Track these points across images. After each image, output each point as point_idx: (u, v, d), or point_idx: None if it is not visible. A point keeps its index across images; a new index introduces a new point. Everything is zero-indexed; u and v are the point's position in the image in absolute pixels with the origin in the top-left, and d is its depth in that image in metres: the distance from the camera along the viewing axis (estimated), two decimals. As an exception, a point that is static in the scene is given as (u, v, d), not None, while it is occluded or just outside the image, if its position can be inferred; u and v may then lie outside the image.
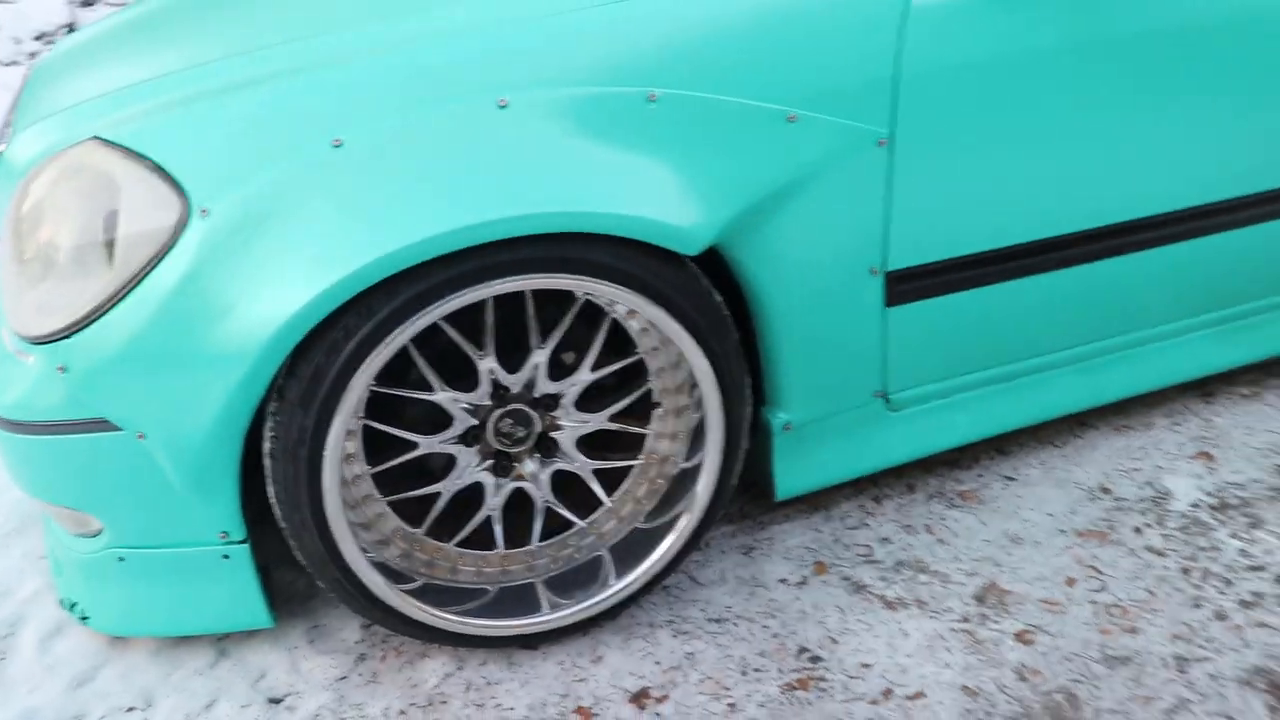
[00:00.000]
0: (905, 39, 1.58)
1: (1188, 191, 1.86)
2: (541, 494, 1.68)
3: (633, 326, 1.61)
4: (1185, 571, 1.80)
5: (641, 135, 1.49)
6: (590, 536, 1.75)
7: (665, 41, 1.50)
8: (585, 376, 1.62)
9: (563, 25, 1.48)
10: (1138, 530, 1.88)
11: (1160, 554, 1.84)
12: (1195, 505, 1.93)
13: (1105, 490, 1.97)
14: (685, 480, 1.72)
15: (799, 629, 1.73)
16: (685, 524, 1.71)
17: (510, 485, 1.66)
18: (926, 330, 1.80)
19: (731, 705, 1.60)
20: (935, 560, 1.85)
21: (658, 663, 1.68)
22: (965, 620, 1.73)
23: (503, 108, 1.41)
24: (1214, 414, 2.15)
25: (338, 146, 1.37)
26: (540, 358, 1.57)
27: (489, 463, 1.63)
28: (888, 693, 1.62)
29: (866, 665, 1.67)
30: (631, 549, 1.74)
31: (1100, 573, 1.80)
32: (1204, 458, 2.03)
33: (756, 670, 1.66)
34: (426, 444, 1.57)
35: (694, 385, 1.65)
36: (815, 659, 1.68)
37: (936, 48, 1.60)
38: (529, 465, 1.66)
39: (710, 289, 1.59)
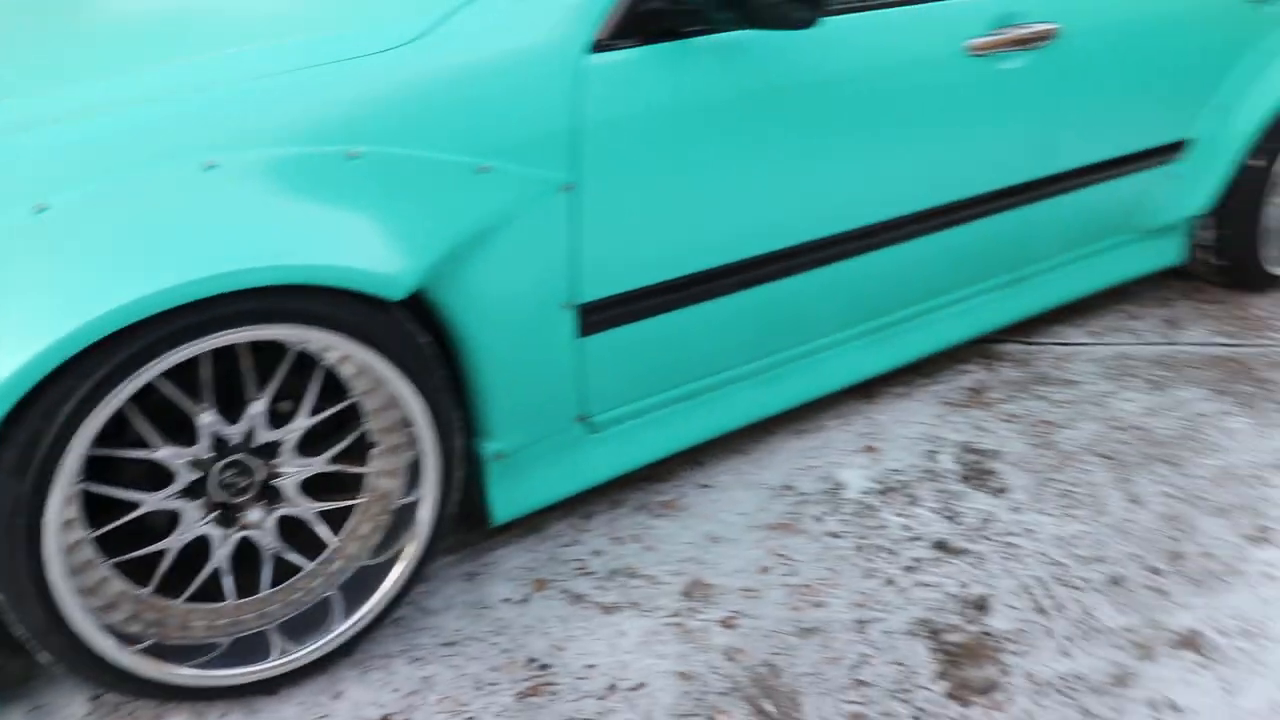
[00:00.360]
0: (582, 94, 1.76)
1: (838, 218, 2.15)
2: (268, 541, 1.73)
3: (345, 372, 1.70)
4: (859, 549, 2.06)
5: (344, 191, 1.59)
6: (319, 578, 1.80)
7: (363, 103, 1.61)
8: (303, 423, 1.69)
9: (267, 88, 1.57)
10: (818, 519, 2.14)
11: (837, 536, 2.10)
12: (865, 492, 2.21)
13: (788, 488, 2.23)
14: (407, 514, 1.81)
15: (526, 641, 1.85)
16: (410, 556, 1.80)
17: (237, 535, 1.70)
18: (620, 355, 1.98)
19: (470, 719, 1.71)
20: (644, 565, 2.02)
21: (396, 690, 1.76)
22: (675, 615, 1.91)
23: (210, 169, 1.48)
24: (876, 412, 2.47)
25: (41, 211, 1.39)
26: (258, 408, 1.63)
27: (214, 515, 1.66)
28: (612, 688, 1.77)
29: (591, 666, 1.81)
30: (360, 585, 1.81)
31: (789, 559, 2.04)
32: (869, 450, 2.33)
33: (490, 684, 1.77)
34: (149, 502, 1.59)
35: (409, 423, 1.75)
36: (544, 666, 1.81)
37: (611, 101, 1.79)
38: (254, 514, 1.70)
39: (416, 330, 1.71)
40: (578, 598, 1.95)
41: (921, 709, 1.74)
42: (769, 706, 1.74)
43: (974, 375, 2.60)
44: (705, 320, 2.05)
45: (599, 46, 1.79)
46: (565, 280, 1.85)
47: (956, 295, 2.47)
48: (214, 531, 1.67)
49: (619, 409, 2.05)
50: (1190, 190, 2.77)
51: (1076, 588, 1.97)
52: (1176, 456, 2.33)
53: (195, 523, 1.65)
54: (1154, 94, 2.60)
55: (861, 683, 1.79)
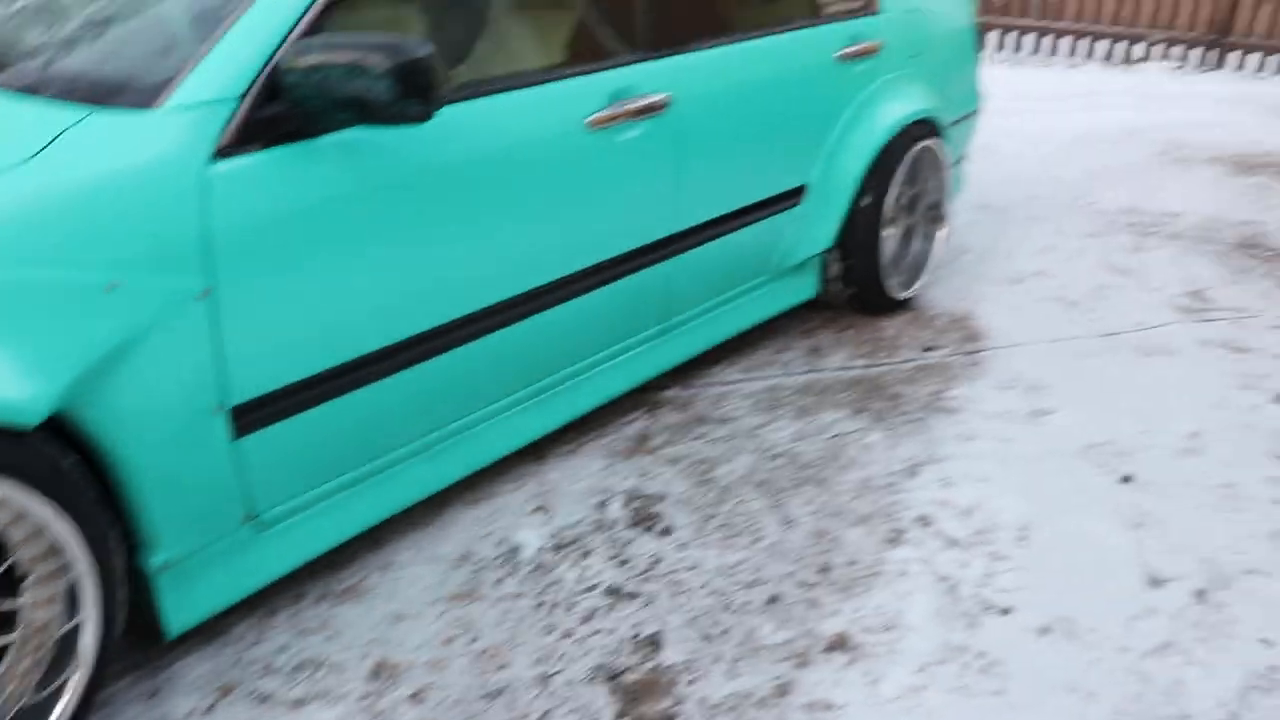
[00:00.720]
0: (208, 201, 1.77)
1: (477, 294, 2.24)
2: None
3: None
4: (538, 607, 2.14)
5: None
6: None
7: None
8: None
9: None
10: (497, 582, 2.21)
11: (518, 597, 2.17)
12: (539, 550, 2.30)
13: (466, 557, 2.28)
14: (69, 642, 1.74)
15: (209, 755, 1.81)
16: (76, 686, 1.73)
17: None
18: (281, 451, 1.98)
19: None
20: (330, 653, 2.02)
21: (65, 834, 1.68)
22: (364, 698, 1.92)
23: None
24: (547, 471, 2.57)
25: None
26: None
27: None
28: (300, 787, 1.76)
29: (278, 768, 1.80)
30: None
31: (471, 626, 2.09)
32: (541, 511, 2.43)
33: (169, 808, 1.72)
34: None
35: (59, 549, 1.68)
36: (228, 778, 1.78)
37: (237, 205, 1.80)
38: None
39: (58, 453, 1.65)
40: (264, 698, 1.92)
41: (602, 751, 1.83)
42: (457, 776, 1.79)
43: (638, 424, 2.75)
44: (362, 406, 2.08)
45: (221, 153, 1.80)
46: (213, 385, 1.84)
47: (612, 350, 2.61)
48: None
49: (286, 503, 2.05)
50: (814, 229, 3.06)
51: (739, 612, 2.13)
52: (821, 476, 2.55)
53: None
54: (768, 147, 2.86)
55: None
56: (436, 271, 2.12)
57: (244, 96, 1.82)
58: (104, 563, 1.72)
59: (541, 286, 2.35)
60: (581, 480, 2.53)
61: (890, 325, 3.28)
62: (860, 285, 3.19)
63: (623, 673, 1.99)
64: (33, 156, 1.65)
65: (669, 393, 2.89)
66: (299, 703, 1.92)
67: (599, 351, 2.58)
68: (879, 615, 2.12)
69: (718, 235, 2.77)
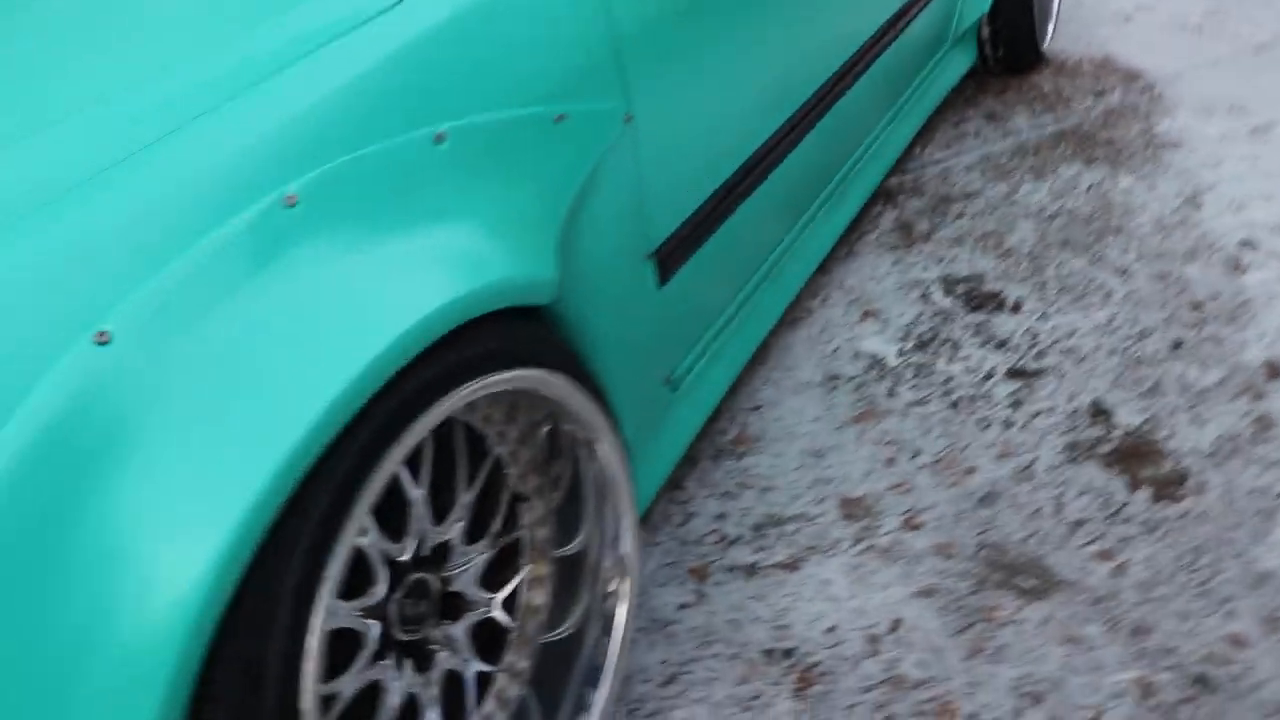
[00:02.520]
0: (610, 6, 1.44)
1: (814, 76, 1.98)
2: (464, 657, 1.31)
3: (484, 422, 1.30)
4: (953, 407, 1.96)
5: (445, 185, 1.19)
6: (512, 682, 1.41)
7: (437, 68, 1.20)
8: (465, 499, 1.28)
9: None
10: (890, 395, 2.00)
11: (922, 403, 1.97)
12: (901, 353, 2.10)
13: (833, 379, 2.06)
14: (574, 563, 1.45)
15: (743, 637, 1.58)
16: (627, 594, 1.45)
17: (439, 670, 1.27)
18: (690, 294, 1.70)
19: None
20: (778, 507, 1.79)
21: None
22: (858, 540, 1.71)
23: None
24: (839, 280, 2.34)
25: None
26: (419, 499, 1.20)
27: (405, 663, 1.22)
28: (873, 640, 1.56)
29: (831, 630, 1.58)
30: (554, 674, 1.44)
31: (900, 442, 1.89)
32: (870, 317, 2.21)
33: (755, 697, 1.49)
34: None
35: (549, 458, 1.39)
36: (788, 653, 1.55)
37: (635, 8, 1.48)
38: (444, 632, 1.28)
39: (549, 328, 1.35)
40: (749, 569, 1.69)
41: (1148, 521, 1.69)
42: (1027, 582, 1.62)
43: (888, 216, 2.54)
44: (746, 224, 1.81)
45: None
46: (644, 225, 1.54)
47: (871, 136, 2.38)
48: (405, 680, 1.23)
49: (689, 356, 1.78)
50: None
51: (1153, 364, 2.00)
52: (1115, 225, 2.42)
53: (394, 684, 1.20)
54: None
55: (1077, 523, 1.70)
56: (792, 52, 1.85)
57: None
58: (619, 433, 1.43)
59: (844, 65, 2.09)
60: (883, 280, 2.32)
61: (1042, 80, 3.13)
62: (1011, 43, 3.02)
63: (1095, 445, 1.84)
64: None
65: (892, 181, 2.67)
66: (792, 564, 1.69)
67: (868, 137, 2.35)
68: (1282, 336, 2.04)
69: (920, 9, 2.54)
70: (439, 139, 1.16)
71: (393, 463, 1.05)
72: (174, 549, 0.86)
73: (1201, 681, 1.47)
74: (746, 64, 1.74)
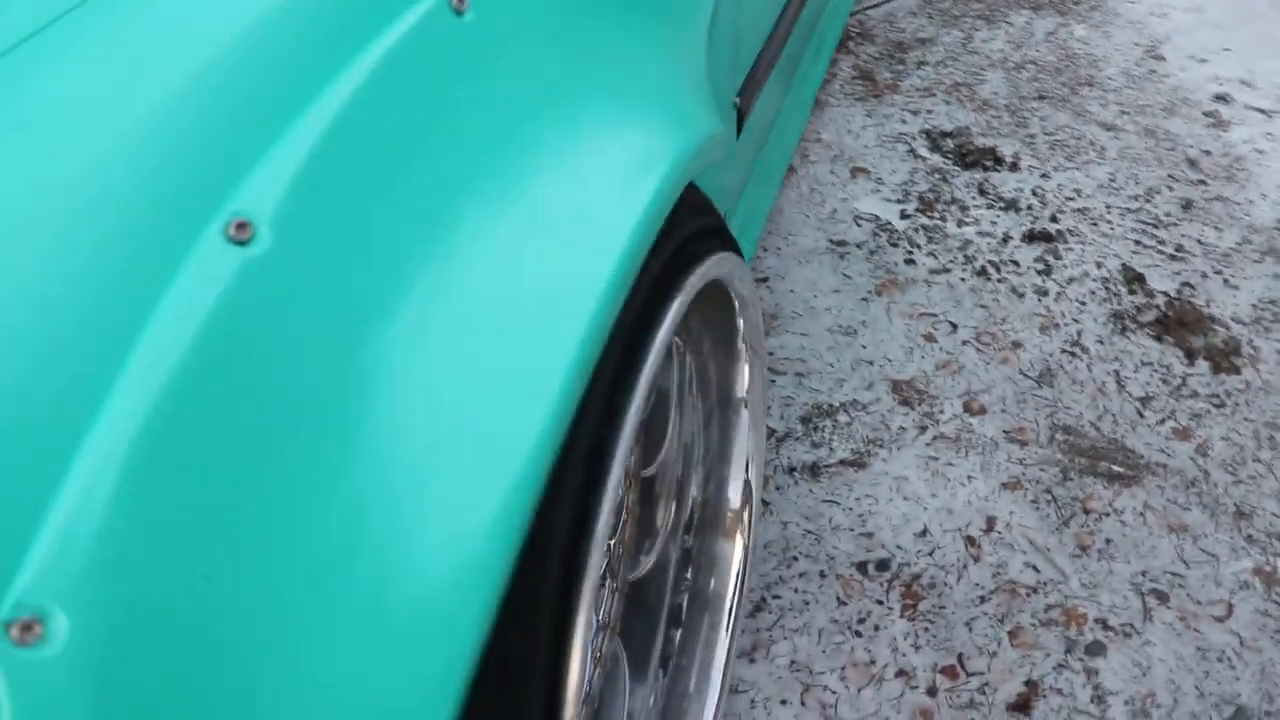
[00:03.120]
0: None
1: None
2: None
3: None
4: (980, 274, 1.78)
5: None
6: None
7: None
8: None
9: None
10: (908, 262, 1.80)
11: (945, 271, 1.78)
12: (906, 214, 1.89)
13: (840, 245, 1.83)
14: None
15: (829, 544, 1.36)
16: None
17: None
18: (744, 149, 1.42)
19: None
20: (824, 394, 1.57)
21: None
22: (922, 430, 1.52)
23: None
24: (817, 134, 2.10)
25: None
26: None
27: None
28: (971, 542, 1.38)
29: (922, 533, 1.39)
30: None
31: (933, 314, 1.70)
32: (862, 174, 1.99)
33: (859, 620, 1.29)
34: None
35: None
36: (883, 563, 1.35)
37: None
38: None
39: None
40: (813, 469, 1.47)
41: (1215, 395, 1.58)
42: (1110, 466, 1.47)
43: (846, 64, 2.30)
44: (780, 65, 1.53)
45: None
46: (736, 67, 1.25)
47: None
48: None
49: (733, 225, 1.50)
50: None
51: (1169, 226, 1.88)
52: (1086, 77, 2.28)
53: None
54: None
55: (1143, 400, 1.57)
56: None
57: None
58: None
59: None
60: (861, 134, 2.09)
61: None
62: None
63: (1139, 313, 1.71)
64: None
65: (839, 26, 2.42)
66: (858, 461, 1.48)
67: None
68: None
69: None
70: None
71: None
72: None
73: (1317, 566, 1.38)
74: None
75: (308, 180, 0.47)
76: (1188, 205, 1.92)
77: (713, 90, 1.02)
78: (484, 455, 0.46)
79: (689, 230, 0.80)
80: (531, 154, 0.61)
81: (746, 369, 1.08)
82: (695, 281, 0.79)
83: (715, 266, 0.85)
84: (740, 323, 1.03)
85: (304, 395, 0.43)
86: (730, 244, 0.97)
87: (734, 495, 1.13)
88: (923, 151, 2.04)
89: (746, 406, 1.09)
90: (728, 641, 1.11)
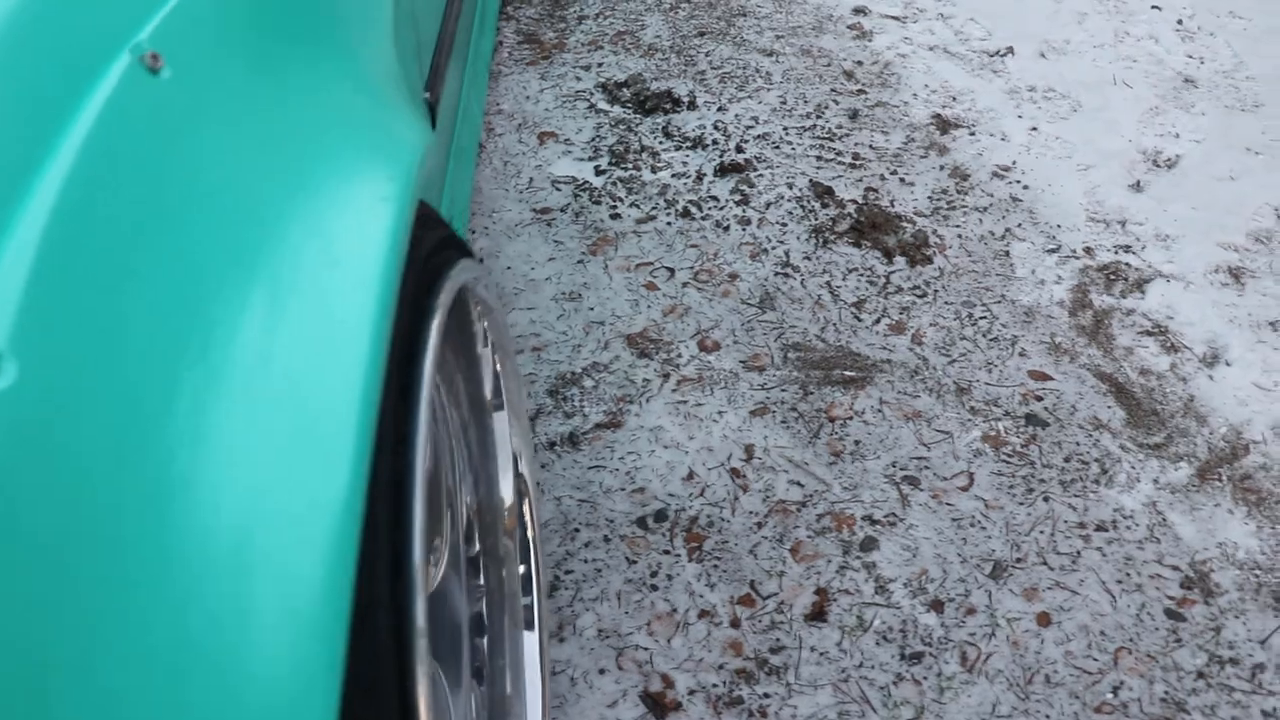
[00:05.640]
0: None
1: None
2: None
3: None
4: (685, 216, 1.82)
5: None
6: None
7: None
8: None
9: None
10: (614, 217, 1.81)
11: (649, 220, 1.81)
12: (601, 170, 1.90)
13: (544, 212, 1.82)
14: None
15: (605, 508, 1.37)
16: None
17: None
18: (439, 141, 1.38)
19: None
20: (564, 363, 1.57)
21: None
22: (665, 377, 1.55)
23: None
24: (496, 105, 2.07)
25: None
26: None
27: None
28: (736, 474, 1.42)
29: (689, 477, 1.42)
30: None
31: (650, 262, 1.73)
32: (550, 138, 1.98)
33: (650, 574, 1.31)
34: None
35: None
36: (660, 514, 1.37)
37: None
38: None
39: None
40: (572, 439, 1.46)
41: (916, 287, 1.70)
42: (843, 373, 1.56)
43: (509, 30, 2.28)
44: (457, 51, 1.49)
45: None
46: (419, 59, 1.21)
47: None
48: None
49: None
50: None
51: (843, 135, 2.00)
52: (736, 7, 2.36)
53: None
54: None
55: (857, 304, 1.67)
56: None
57: None
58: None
59: None
60: (540, 98, 2.08)
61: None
62: None
63: (835, 224, 1.80)
64: None
65: (493, -7, 2.39)
66: (612, 421, 1.49)
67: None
68: (938, 92, 2.12)
69: None
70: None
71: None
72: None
73: (1033, 420, 1.51)
74: None
75: (40, 303, 0.41)
76: (854, 115, 2.05)
77: (409, 90, 0.98)
78: (297, 533, 0.42)
79: (428, 247, 0.77)
80: (263, 208, 0.56)
81: (495, 370, 1.06)
82: (446, 299, 0.76)
83: (461, 275, 0.82)
84: (481, 327, 1.01)
85: (84, 526, 0.38)
86: (465, 249, 0.95)
87: (507, 492, 1.11)
88: (602, 105, 2.06)
89: (502, 407, 1.07)
90: (536, 635, 1.09)
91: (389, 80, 0.90)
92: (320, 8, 0.82)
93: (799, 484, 1.42)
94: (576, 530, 1.35)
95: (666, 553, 1.33)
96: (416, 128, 0.86)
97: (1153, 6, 2.43)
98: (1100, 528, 1.38)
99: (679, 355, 1.58)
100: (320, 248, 0.56)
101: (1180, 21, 2.39)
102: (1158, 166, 1.99)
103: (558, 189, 1.87)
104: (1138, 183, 1.95)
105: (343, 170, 0.68)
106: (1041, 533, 1.37)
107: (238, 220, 0.54)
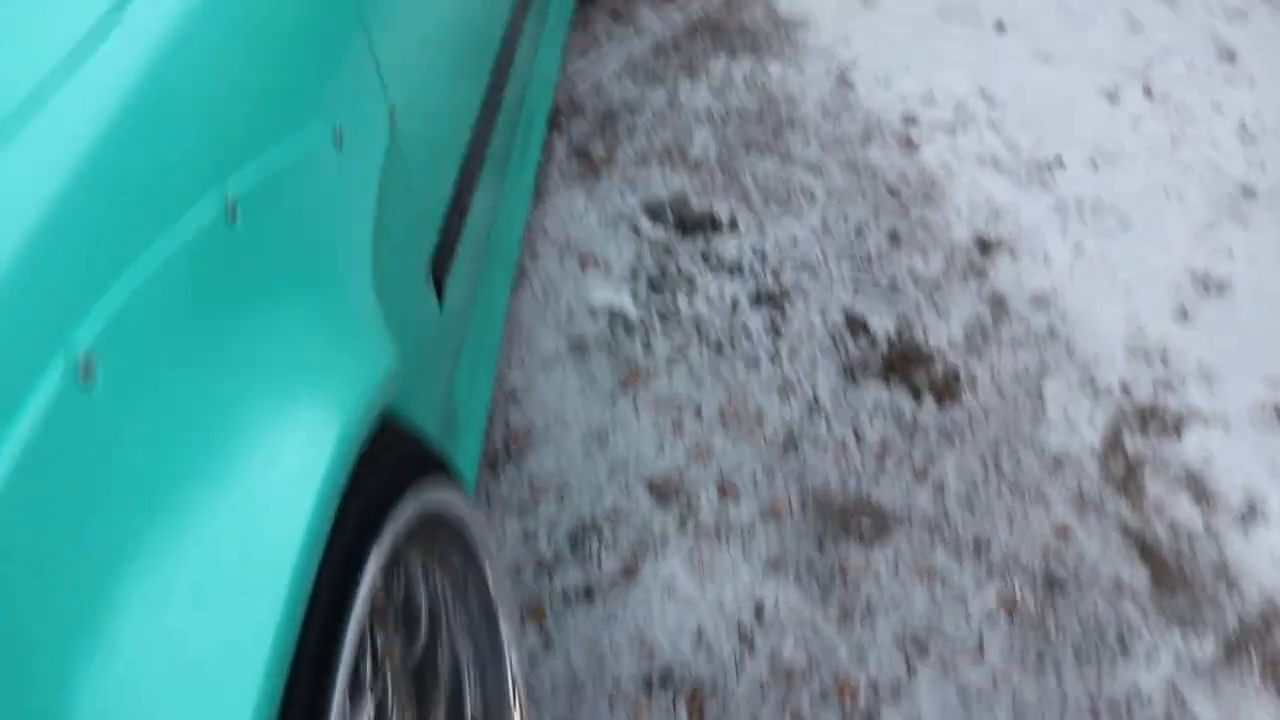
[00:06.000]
0: None
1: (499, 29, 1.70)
2: None
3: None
4: (716, 351, 1.85)
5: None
6: None
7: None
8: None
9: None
10: (646, 351, 1.85)
11: (684, 353, 1.85)
12: (639, 300, 1.94)
13: (579, 343, 1.87)
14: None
15: (614, 667, 1.41)
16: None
17: None
18: (455, 305, 1.44)
19: None
20: (585, 508, 1.61)
21: None
22: (682, 524, 1.58)
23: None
24: (541, 227, 2.13)
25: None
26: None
27: None
28: (744, 634, 1.44)
29: (697, 636, 1.45)
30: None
31: (679, 400, 1.76)
32: (591, 265, 2.02)
33: None
34: None
35: None
36: (665, 677, 1.40)
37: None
38: None
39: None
40: (587, 592, 1.50)
41: (942, 427, 1.70)
42: (861, 522, 1.57)
43: (560, 144, 2.33)
44: (477, 200, 1.55)
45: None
46: (420, 239, 1.27)
47: (531, 68, 2.15)
48: None
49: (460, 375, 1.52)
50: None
51: (885, 261, 2.00)
52: (787, 117, 2.38)
53: None
54: None
55: (881, 449, 1.67)
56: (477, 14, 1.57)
57: None
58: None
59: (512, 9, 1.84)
60: (584, 218, 2.12)
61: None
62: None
63: (866, 361, 1.81)
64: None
65: (548, 104, 2.46)
66: (628, 571, 1.53)
67: (529, 73, 2.11)
68: (981, 208, 2.11)
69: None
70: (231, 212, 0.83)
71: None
72: None
73: (1051, 582, 1.50)
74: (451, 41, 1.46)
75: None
76: (894, 236, 2.05)
77: (406, 280, 1.04)
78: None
79: (385, 474, 0.83)
80: (185, 503, 0.63)
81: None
82: (376, 561, 0.81)
83: (416, 507, 0.87)
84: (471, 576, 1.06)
85: None
86: (431, 464, 0.99)
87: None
88: (644, 226, 2.10)
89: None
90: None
91: (359, 313, 0.95)
92: (275, 262, 0.87)
93: (805, 643, 1.43)
94: (583, 688, 1.39)
95: (668, 715, 1.36)
96: (378, 350, 0.91)
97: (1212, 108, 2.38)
98: (1113, 709, 1.36)
99: (698, 500, 1.61)
100: (239, 536, 0.63)
101: (1243, 123, 2.34)
102: (1206, 291, 1.95)
103: (594, 319, 1.91)
104: (1183, 309, 1.91)
105: (273, 440, 0.73)
106: (1048, 710, 1.36)
107: (158, 523, 0.61)
